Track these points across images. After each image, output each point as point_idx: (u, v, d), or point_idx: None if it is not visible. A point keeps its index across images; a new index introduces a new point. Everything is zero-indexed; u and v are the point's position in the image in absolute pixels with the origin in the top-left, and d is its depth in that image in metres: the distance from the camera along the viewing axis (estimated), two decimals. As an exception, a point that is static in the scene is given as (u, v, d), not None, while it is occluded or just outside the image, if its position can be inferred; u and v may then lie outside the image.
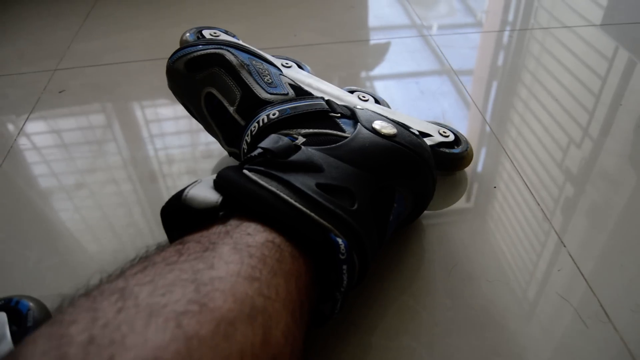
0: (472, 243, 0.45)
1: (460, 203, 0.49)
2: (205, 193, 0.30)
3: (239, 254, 0.26)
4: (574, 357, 0.35)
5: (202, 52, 0.45)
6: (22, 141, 0.61)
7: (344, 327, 0.38)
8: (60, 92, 0.70)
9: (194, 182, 0.31)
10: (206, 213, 0.30)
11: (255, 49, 0.48)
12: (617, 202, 0.48)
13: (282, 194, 0.30)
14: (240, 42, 0.50)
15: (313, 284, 0.30)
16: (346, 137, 0.37)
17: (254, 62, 0.46)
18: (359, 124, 0.39)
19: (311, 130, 0.39)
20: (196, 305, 0.22)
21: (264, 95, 0.43)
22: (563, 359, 0.35)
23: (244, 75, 0.44)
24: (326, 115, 0.41)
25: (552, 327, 0.37)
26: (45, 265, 0.45)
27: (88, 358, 0.19)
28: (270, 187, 0.30)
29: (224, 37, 0.53)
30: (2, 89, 0.72)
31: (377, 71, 0.74)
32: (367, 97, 0.51)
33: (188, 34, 0.53)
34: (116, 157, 0.58)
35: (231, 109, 0.44)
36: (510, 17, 0.88)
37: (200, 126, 0.51)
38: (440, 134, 0.49)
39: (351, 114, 0.41)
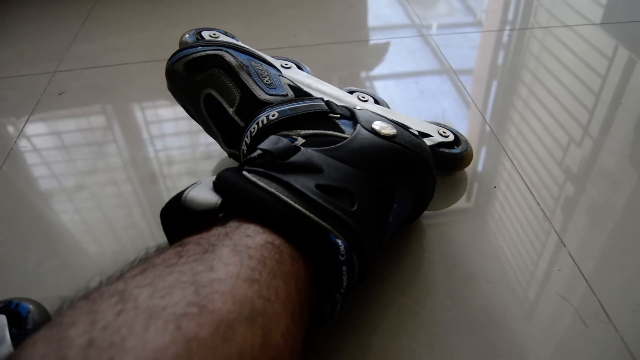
0: (472, 243, 0.45)
1: (460, 203, 0.49)
2: (204, 195, 0.30)
3: (239, 255, 0.26)
4: (574, 357, 0.35)
5: (202, 53, 0.45)
6: (22, 143, 0.61)
7: (343, 328, 0.38)
8: (60, 94, 0.70)
9: (194, 184, 0.31)
10: (206, 215, 0.30)
11: (254, 50, 0.48)
12: (618, 202, 0.48)
13: (281, 196, 0.30)
14: (240, 43, 0.50)
15: (313, 285, 0.30)
16: (346, 138, 0.37)
17: (253, 63, 0.46)
18: (358, 124, 0.39)
19: (310, 131, 0.39)
20: (195, 307, 0.22)
21: (263, 96, 0.43)
22: (563, 359, 0.35)
23: (243, 76, 0.44)
24: (325, 116, 0.41)
25: (552, 327, 0.37)
26: (46, 267, 0.45)
27: (87, 361, 0.19)
28: (269, 189, 0.30)
29: (223, 38, 0.53)
30: (2, 91, 0.72)
31: (376, 71, 0.74)
32: (367, 97, 0.51)
33: (187, 35, 0.53)
34: (116, 159, 0.58)
35: (230, 110, 0.44)
36: (510, 16, 0.88)
37: (200, 127, 0.51)
38: (440, 134, 0.49)
39: (351, 115, 0.41)
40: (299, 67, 0.52)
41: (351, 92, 0.51)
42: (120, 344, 0.20)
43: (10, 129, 0.64)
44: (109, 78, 0.73)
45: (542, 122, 0.59)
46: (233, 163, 0.53)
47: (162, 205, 0.31)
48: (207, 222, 0.30)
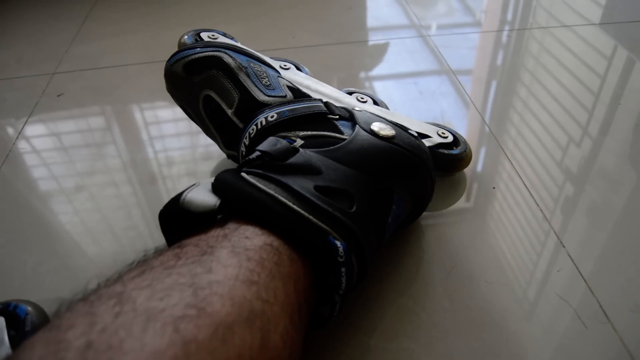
0: (472, 244, 0.45)
1: (460, 204, 0.49)
2: (203, 196, 0.30)
3: (237, 257, 0.26)
4: (573, 358, 0.35)
5: (200, 54, 0.45)
6: (21, 144, 0.61)
7: (342, 329, 0.38)
8: (58, 95, 0.70)
9: (192, 186, 0.31)
10: (204, 216, 0.30)
11: (253, 51, 0.48)
12: (617, 202, 0.48)
13: (280, 197, 0.30)
14: (239, 44, 0.50)
15: (312, 287, 0.30)
16: (344, 139, 0.37)
17: (252, 64, 0.46)
18: (357, 125, 0.39)
19: (309, 133, 0.39)
20: (194, 309, 0.22)
21: (262, 97, 0.43)
22: (563, 360, 0.36)
23: (242, 77, 0.44)
24: (324, 117, 0.41)
25: (551, 328, 0.37)
26: (45, 269, 0.45)
27: (85, 363, 0.19)
28: (268, 190, 0.30)
29: (222, 39, 0.53)
30: (1, 93, 0.72)
31: (375, 72, 0.74)
32: (366, 98, 0.51)
33: (186, 37, 0.53)
34: (115, 160, 0.58)
35: (229, 112, 0.44)
36: (509, 17, 0.88)
37: (199, 128, 0.51)
38: (439, 135, 0.49)
39: (349, 116, 0.41)
40: (298, 68, 0.52)
41: (350, 93, 0.51)
42: (118, 346, 0.20)
43: (10, 130, 0.64)
44: (108, 79, 0.73)
45: (542, 122, 0.59)
46: (232, 164, 0.53)
47: (162, 206, 0.31)
48: (205, 223, 0.30)
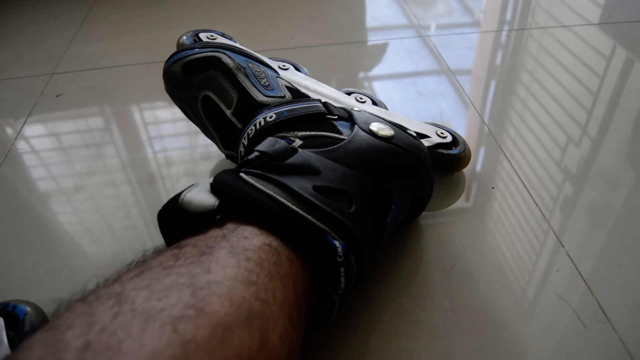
0: (471, 244, 0.45)
1: (459, 204, 0.49)
2: (202, 197, 0.30)
3: (236, 257, 0.26)
4: (572, 358, 0.35)
5: (199, 55, 0.45)
6: (20, 145, 0.61)
7: (341, 329, 0.38)
8: (57, 95, 0.70)
9: (191, 186, 0.31)
10: (203, 217, 0.30)
11: (252, 52, 0.48)
12: (616, 202, 0.48)
13: (279, 197, 0.30)
14: (237, 44, 0.50)
15: (310, 287, 0.30)
16: (343, 140, 0.37)
17: (250, 64, 0.46)
18: (356, 126, 0.39)
19: (308, 133, 0.39)
20: (193, 309, 0.22)
21: (260, 98, 0.43)
22: (562, 360, 0.36)
23: (241, 78, 0.44)
24: (323, 117, 0.41)
25: (551, 328, 0.37)
26: (44, 269, 0.45)
27: (84, 364, 0.19)
28: (267, 190, 0.30)
29: (220, 39, 0.53)
30: (0, 93, 0.72)
31: (375, 72, 0.74)
32: (365, 98, 0.51)
33: (185, 37, 0.53)
34: (115, 160, 0.58)
35: (228, 112, 0.44)
36: (508, 17, 0.88)
37: (198, 128, 0.51)
38: (438, 135, 0.49)
39: (348, 116, 0.41)
40: (297, 69, 0.51)
41: (349, 94, 0.51)
42: (117, 346, 0.20)
43: (9, 130, 0.64)
44: (107, 80, 0.73)
45: (541, 122, 0.59)
46: (231, 164, 0.53)
47: (161, 206, 0.31)
48: (204, 224, 0.30)
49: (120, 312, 0.21)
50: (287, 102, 0.42)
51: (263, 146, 0.34)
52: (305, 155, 0.34)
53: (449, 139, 0.50)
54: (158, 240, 0.32)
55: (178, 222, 0.31)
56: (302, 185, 0.31)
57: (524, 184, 0.50)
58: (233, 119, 0.43)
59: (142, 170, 0.56)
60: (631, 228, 0.45)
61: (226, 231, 0.28)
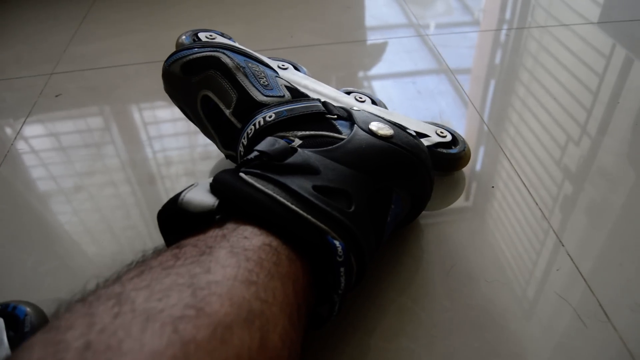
0: (471, 243, 0.45)
1: (459, 203, 0.49)
2: (201, 197, 0.30)
3: (236, 257, 0.26)
4: (573, 357, 0.35)
5: (198, 55, 0.45)
6: (20, 145, 0.61)
7: (342, 329, 0.38)
8: (57, 95, 0.70)
9: (190, 186, 0.31)
10: (203, 217, 0.30)
11: (251, 51, 0.48)
12: (616, 201, 0.48)
13: (278, 197, 0.30)
14: (236, 44, 0.50)
15: (310, 287, 0.30)
16: (343, 139, 0.37)
17: (249, 64, 0.45)
18: (355, 125, 0.39)
19: (307, 133, 0.39)
20: (193, 309, 0.22)
21: (260, 97, 0.43)
22: (562, 359, 0.35)
23: (240, 77, 0.44)
24: (323, 117, 0.41)
25: (551, 327, 0.37)
26: (44, 269, 0.45)
27: (84, 364, 0.19)
28: (266, 190, 0.30)
29: (219, 39, 0.52)
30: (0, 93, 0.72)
31: (374, 71, 0.74)
32: (364, 98, 0.51)
33: (184, 37, 0.53)
34: (114, 160, 0.58)
35: (227, 112, 0.44)
36: (508, 16, 0.88)
37: (197, 128, 0.51)
38: (438, 134, 0.49)
39: (348, 116, 0.41)
40: (296, 68, 0.51)
41: (348, 93, 0.51)
42: (117, 346, 0.19)
43: (8, 130, 0.64)
44: (106, 79, 0.73)
45: (540, 121, 0.59)
46: (231, 164, 0.53)
47: (160, 206, 0.31)
48: (204, 224, 0.30)
49: (121, 312, 0.21)
50: (287, 102, 0.42)
51: (262, 146, 0.34)
52: (305, 154, 0.34)
53: (449, 138, 0.50)
54: (158, 240, 0.32)
55: (178, 222, 0.30)
56: (301, 184, 0.31)
57: (523, 183, 0.50)
58: (232, 119, 0.43)
59: (142, 170, 0.56)
60: (631, 227, 0.45)
61: (226, 231, 0.28)
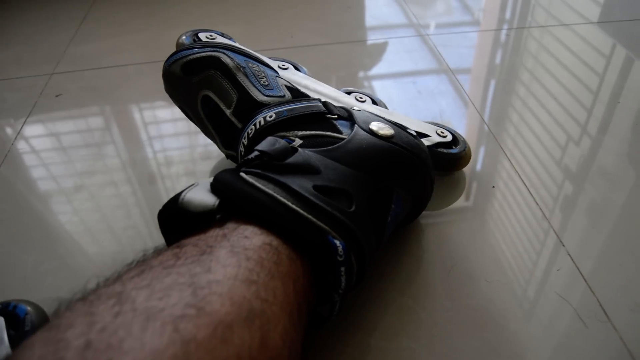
0: (471, 243, 0.45)
1: (459, 203, 0.49)
2: (202, 196, 0.30)
3: (236, 257, 0.26)
4: (573, 357, 0.35)
5: (198, 55, 0.45)
6: (20, 145, 0.61)
7: (342, 329, 0.38)
8: (57, 95, 0.70)
9: (191, 186, 0.31)
10: (203, 216, 0.30)
11: (251, 51, 0.48)
12: (616, 201, 0.48)
13: (279, 197, 0.30)
14: (237, 44, 0.50)
15: (311, 286, 0.30)
16: (343, 139, 0.37)
17: (250, 64, 0.45)
18: (356, 125, 0.39)
19: (308, 132, 0.39)
20: (193, 309, 0.22)
21: (260, 97, 0.43)
22: (563, 359, 0.35)
23: (240, 77, 0.44)
24: (323, 117, 0.41)
25: (551, 327, 0.37)
26: (44, 269, 0.45)
27: (85, 363, 0.19)
28: (267, 190, 0.30)
29: (220, 39, 0.53)
30: (0, 93, 0.72)
31: (374, 71, 0.74)
32: (364, 98, 0.51)
33: (184, 37, 0.53)
34: (115, 160, 0.58)
35: (228, 112, 0.44)
36: (508, 15, 0.88)
37: (198, 128, 0.51)
38: (438, 134, 0.49)
39: (348, 116, 0.41)
40: (296, 68, 0.51)
41: (349, 93, 0.51)
42: (117, 345, 0.20)
43: (8, 130, 0.64)
44: (106, 79, 0.73)
45: (541, 121, 0.59)
46: (231, 164, 0.53)
47: (161, 206, 0.31)
48: (204, 223, 0.30)
49: (121, 311, 0.21)
50: (287, 102, 0.42)
51: (263, 146, 0.34)
52: (305, 154, 0.34)
53: (449, 138, 0.50)
54: (158, 239, 0.32)
55: (178, 221, 0.30)
56: (302, 184, 0.31)
57: (524, 183, 0.50)
58: (233, 119, 0.43)
59: (142, 170, 0.56)
60: (632, 227, 0.45)
61: (226, 230, 0.28)
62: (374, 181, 0.35)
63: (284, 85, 0.45)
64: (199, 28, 0.55)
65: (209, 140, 0.52)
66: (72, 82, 0.73)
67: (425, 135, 0.49)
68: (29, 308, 0.37)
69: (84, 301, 0.22)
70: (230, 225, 0.29)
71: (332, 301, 0.31)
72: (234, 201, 0.30)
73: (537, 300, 0.40)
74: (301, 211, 0.30)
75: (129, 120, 0.65)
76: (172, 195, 0.31)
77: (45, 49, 0.83)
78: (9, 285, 0.44)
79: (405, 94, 0.67)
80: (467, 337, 0.37)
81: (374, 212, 0.35)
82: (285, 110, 0.41)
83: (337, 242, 0.30)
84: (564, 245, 0.44)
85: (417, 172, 0.39)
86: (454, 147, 0.50)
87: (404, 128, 0.41)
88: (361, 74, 0.73)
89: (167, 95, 0.50)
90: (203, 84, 0.45)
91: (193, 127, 0.53)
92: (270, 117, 0.40)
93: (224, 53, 0.45)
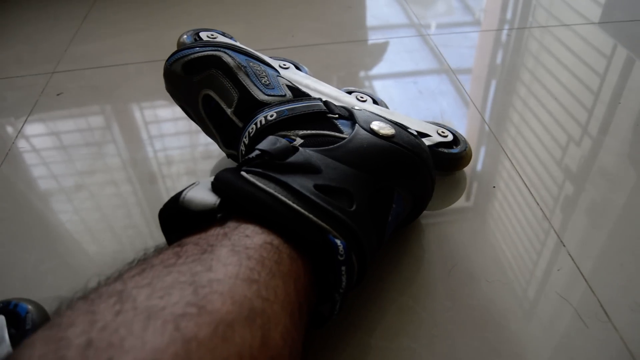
0: (472, 243, 0.45)
1: (460, 203, 0.49)
2: (203, 195, 0.30)
3: (237, 256, 0.26)
4: (574, 357, 0.35)
5: (199, 54, 0.45)
6: (21, 143, 0.61)
7: (343, 328, 0.38)
8: (58, 94, 0.70)
9: (192, 185, 0.31)
10: (204, 215, 0.30)
11: (252, 51, 0.48)
12: (617, 201, 0.48)
13: (280, 196, 0.30)
14: (238, 43, 0.50)
15: (312, 286, 0.30)
16: (344, 138, 0.37)
17: (251, 63, 0.45)
18: (356, 124, 0.39)
19: (309, 132, 0.39)
20: (194, 307, 0.22)
21: (261, 96, 0.43)
22: (563, 359, 0.35)
23: (241, 77, 0.44)
24: (324, 116, 0.41)
25: (552, 327, 0.37)
26: (45, 268, 0.45)
27: (86, 361, 0.19)
28: (268, 189, 0.30)
29: (221, 38, 0.53)
30: (0, 92, 0.72)
31: (375, 71, 0.74)
32: (365, 97, 0.51)
33: (185, 36, 0.53)
34: (115, 159, 0.58)
35: (229, 111, 0.44)
36: (509, 16, 0.88)
37: (198, 127, 0.51)
38: (439, 134, 0.49)
39: (349, 115, 0.41)
40: (297, 68, 0.51)
41: (349, 92, 0.51)
42: (119, 344, 0.19)
43: (9, 129, 0.64)
44: (107, 78, 0.73)
45: (541, 121, 0.59)
46: (232, 163, 0.53)
47: (162, 205, 0.31)
48: (205, 222, 0.30)
49: (122, 310, 0.21)
50: (288, 101, 0.42)
51: (264, 145, 0.34)
52: (306, 154, 0.34)
53: (450, 137, 0.50)
54: (158, 239, 0.32)
55: (179, 220, 0.30)
56: (303, 183, 0.31)
57: (524, 183, 0.50)
58: (234, 118, 0.43)
59: (143, 169, 0.56)
60: (632, 227, 0.45)
61: (227, 229, 0.28)
62: (374, 181, 0.35)
63: (285, 85, 0.45)
64: (200, 27, 0.55)
65: (209, 140, 0.52)
66: (73, 81, 0.73)
67: (426, 135, 0.49)
68: (29, 307, 0.37)
69: (85, 300, 0.22)
70: (231, 224, 0.29)
71: (333, 300, 0.31)
72: (235, 200, 0.30)
73: (537, 300, 0.40)
74: (302, 210, 0.30)
75: (130, 120, 0.65)
76: (172, 194, 0.31)
77: (46, 48, 0.83)
78: (10, 284, 0.44)
79: (406, 93, 0.67)
80: (468, 337, 0.37)
81: (374, 212, 0.35)
82: (286, 109, 0.41)
83: (338, 242, 0.30)
84: (564, 245, 0.44)
85: (418, 172, 0.39)
86: (454, 147, 0.50)
87: (404, 128, 0.41)
88: (362, 73, 0.73)
89: (167, 95, 0.50)
90: (204, 83, 0.45)
91: (194, 126, 0.53)
92: (271, 116, 0.40)
93: (225, 52, 0.45)
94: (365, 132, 0.38)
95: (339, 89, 0.51)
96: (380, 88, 0.69)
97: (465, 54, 0.76)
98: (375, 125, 0.39)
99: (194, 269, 0.24)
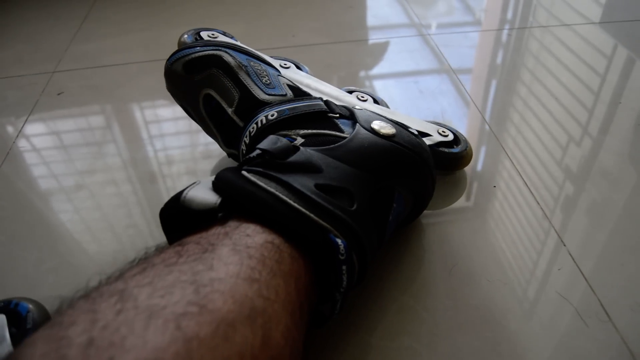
0: (472, 242, 0.45)
1: (460, 202, 0.49)
2: (204, 194, 0.30)
3: (238, 255, 0.26)
4: (574, 356, 0.35)
5: (200, 53, 0.45)
6: (22, 143, 0.61)
7: (343, 328, 0.38)
8: (58, 94, 0.70)
9: (193, 184, 0.31)
10: (205, 214, 0.30)
11: (253, 50, 0.48)
12: (617, 201, 0.48)
13: (280, 195, 0.30)
14: (238, 43, 0.50)
15: (313, 285, 0.30)
16: (345, 138, 0.37)
17: (252, 63, 0.46)
18: (357, 124, 0.39)
19: (310, 131, 0.39)
20: (195, 306, 0.22)
21: (262, 96, 0.43)
22: (563, 358, 0.35)
23: (242, 76, 0.44)
24: (325, 115, 0.41)
25: (552, 327, 0.37)
26: (45, 267, 0.45)
27: (87, 360, 0.19)
28: (268, 188, 0.30)
29: (222, 38, 0.53)
30: (1, 92, 0.72)
31: (376, 71, 0.74)
32: (366, 97, 0.51)
33: (186, 36, 0.53)
34: (116, 159, 0.58)
35: (229, 110, 0.44)
36: (509, 16, 0.88)
37: (199, 127, 0.51)
38: (440, 133, 0.49)
39: (350, 115, 0.41)
40: (298, 67, 0.51)
41: (350, 92, 0.51)
42: (120, 343, 0.20)
43: (10, 128, 0.64)
44: (108, 78, 0.73)
45: (542, 121, 0.59)
46: (232, 163, 0.53)
47: (162, 204, 0.31)
48: (206, 221, 0.30)
49: (123, 309, 0.21)
50: (289, 101, 0.42)
51: (265, 144, 0.34)
52: (307, 153, 0.34)
53: (451, 137, 0.50)
54: (159, 238, 0.32)
55: (180, 220, 0.30)
56: (304, 183, 0.31)
57: (525, 183, 0.50)
58: (234, 117, 0.43)
59: (143, 169, 0.56)
60: (632, 227, 0.45)
61: (228, 229, 0.28)
62: (375, 180, 0.35)
63: (285, 84, 0.45)
64: (200, 27, 0.55)
65: (210, 139, 0.52)
66: (74, 81, 0.73)
67: (427, 135, 0.49)
68: (30, 306, 0.37)
69: (86, 299, 0.22)
70: (232, 224, 0.29)
71: (334, 300, 0.31)
72: (235, 199, 0.30)
73: (538, 299, 0.40)
74: (303, 210, 0.30)
75: (130, 119, 0.65)
76: (173, 194, 0.31)
77: (47, 47, 0.83)
78: (11, 283, 0.44)
79: (406, 93, 0.67)
80: (468, 336, 0.37)
81: (375, 211, 0.35)
82: (287, 109, 0.41)
83: (339, 241, 0.30)
84: (564, 245, 0.44)
85: (419, 171, 0.39)
86: (455, 147, 0.50)
87: (405, 127, 0.41)
88: (363, 73, 0.73)
89: (168, 94, 0.50)
90: (205, 82, 0.45)
91: (194, 125, 0.53)
92: (272, 115, 0.40)
93: (226, 52, 0.45)
94: (366, 132, 0.38)
95: (340, 88, 0.51)
96: (381, 88, 0.69)
97: (466, 53, 0.76)
98: (376, 124, 0.39)
99: (195, 268, 0.24)
